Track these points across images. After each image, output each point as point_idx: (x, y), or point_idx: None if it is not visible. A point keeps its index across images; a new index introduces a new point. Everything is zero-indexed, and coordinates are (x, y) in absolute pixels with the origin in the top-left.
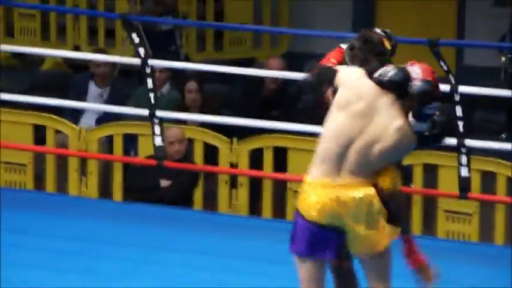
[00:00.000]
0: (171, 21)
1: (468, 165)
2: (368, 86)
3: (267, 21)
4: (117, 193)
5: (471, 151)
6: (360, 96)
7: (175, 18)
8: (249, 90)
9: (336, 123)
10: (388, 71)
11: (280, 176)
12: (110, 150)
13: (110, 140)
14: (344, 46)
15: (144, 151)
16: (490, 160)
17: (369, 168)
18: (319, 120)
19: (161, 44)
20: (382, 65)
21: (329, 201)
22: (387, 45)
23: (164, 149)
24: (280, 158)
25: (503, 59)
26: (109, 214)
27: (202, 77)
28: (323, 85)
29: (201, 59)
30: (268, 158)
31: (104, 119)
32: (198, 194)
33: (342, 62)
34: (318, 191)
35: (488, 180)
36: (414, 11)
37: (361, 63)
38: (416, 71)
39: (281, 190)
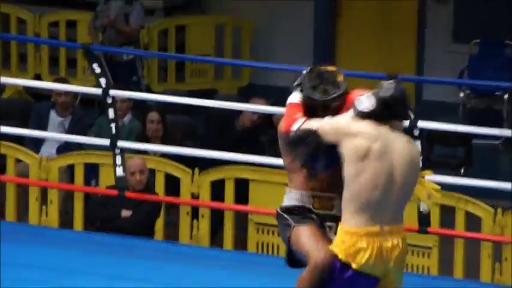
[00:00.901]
0: (133, 52)
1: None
2: (366, 125)
3: (228, 53)
4: (78, 223)
5: None
6: (373, 138)
7: (137, 48)
8: (221, 126)
9: (368, 174)
10: (388, 88)
11: (241, 207)
12: (71, 180)
13: (71, 169)
14: (296, 99)
15: (105, 181)
16: (449, 194)
17: (407, 201)
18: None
19: (122, 74)
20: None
21: (378, 249)
22: (340, 77)
23: (125, 179)
24: (242, 190)
25: (462, 94)
26: (70, 244)
27: (164, 107)
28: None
29: (162, 89)
30: (229, 190)
31: (65, 148)
32: (159, 225)
33: (305, 109)
34: (365, 240)
35: (448, 214)
36: (374, 47)
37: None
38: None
39: (242, 222)
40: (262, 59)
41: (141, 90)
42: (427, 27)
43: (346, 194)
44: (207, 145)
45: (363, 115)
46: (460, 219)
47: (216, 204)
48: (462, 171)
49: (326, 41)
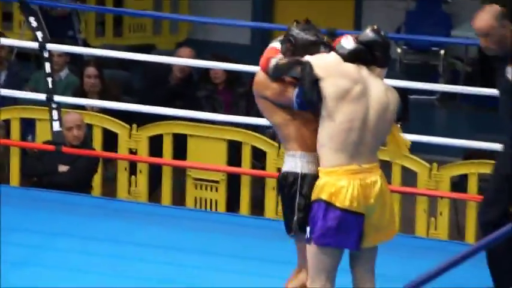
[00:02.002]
0: (70, 6)
1: None
2: (351, 66)
3: (166, 9)
4: (15, 178)
5: None
6: (355, 80)
7: (73, 2)
8: (156, 80)
9: (344, 115)
10: (369, 33)
11: (179, 163)
12: (7, 135)
13: (6, 124)
14: (275, 45)
15: (42, 136)
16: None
17: (381, 144)
18: (218, 108)
19: (59, 28)
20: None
21: (359, 186)
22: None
23: (62, 134)
24: (180, 145)
25: (399, 50)
26: (6, 199)
27: (101, 62)
28: (308, 81)
29: (100, 44)
30: (167, 145)
31: (1, 103)
32: (97, 180)
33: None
34: (346, 178)
35: (384, 169)
36: (312, 2)
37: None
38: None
39: (180, 177)
40: (200, 14)
41: (77, 45)
42: None
43: (323, 133)
44: (143, 100)
45: (344, 55)
46: (396, 174)
47: (153, 160)
48: (399, 126)
49: None
